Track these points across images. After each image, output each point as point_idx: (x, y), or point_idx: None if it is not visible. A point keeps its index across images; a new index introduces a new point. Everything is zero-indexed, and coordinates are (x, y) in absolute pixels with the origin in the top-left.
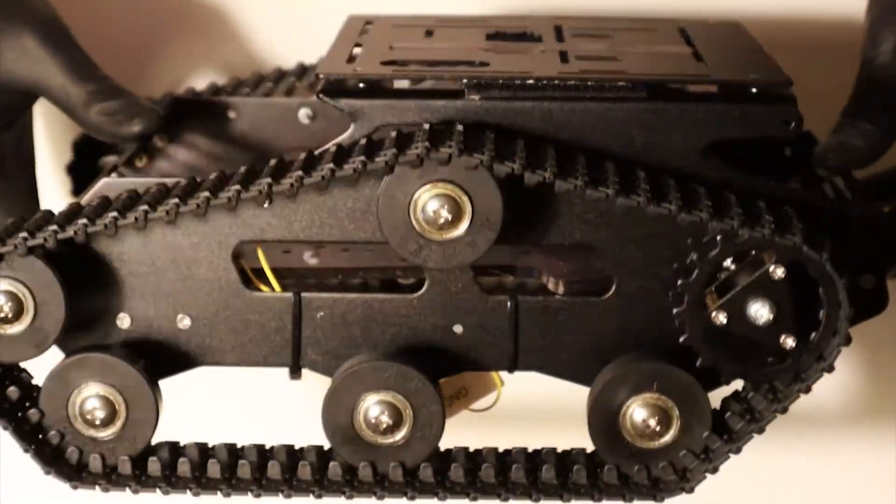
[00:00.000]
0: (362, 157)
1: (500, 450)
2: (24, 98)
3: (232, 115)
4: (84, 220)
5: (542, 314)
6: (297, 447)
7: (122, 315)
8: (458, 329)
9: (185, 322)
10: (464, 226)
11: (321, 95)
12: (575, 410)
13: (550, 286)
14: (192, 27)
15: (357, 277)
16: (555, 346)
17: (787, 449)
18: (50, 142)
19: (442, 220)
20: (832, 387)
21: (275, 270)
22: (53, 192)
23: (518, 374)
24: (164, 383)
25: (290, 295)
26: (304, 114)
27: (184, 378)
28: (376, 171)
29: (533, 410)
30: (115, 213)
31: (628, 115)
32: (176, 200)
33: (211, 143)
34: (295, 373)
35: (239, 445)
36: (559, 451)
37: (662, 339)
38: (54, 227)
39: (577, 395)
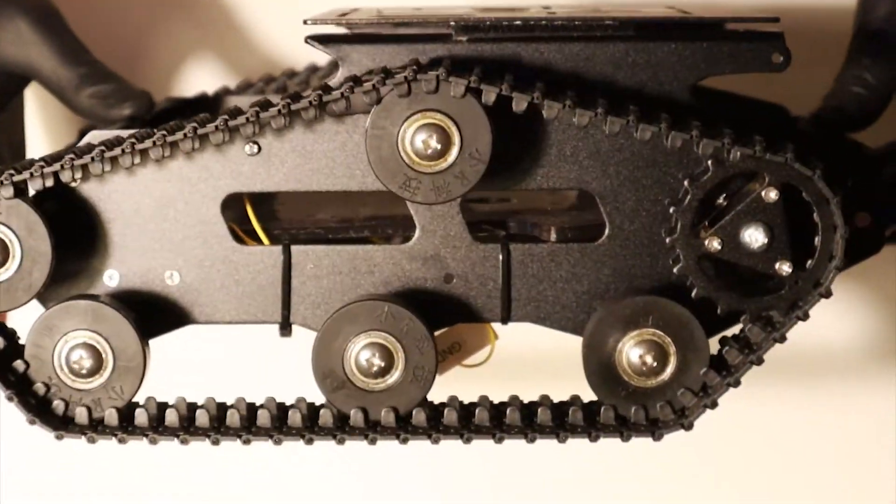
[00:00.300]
0: (350, 83)
1: (495, 402)
2: (16, 81)
3: None
4: (70, 155)
5: (534, 262)
6: (287, 403)
7: (109, 272)
8: (449, 278)
9: (173, 278)
10: (452, 156)
11: (309, 40)
12: (571, 365)
13: (543, 234)
14: (200, 26)
15: (347, 233)
16: (549, 295)
17: (789, 394)
18: (49, 129)
19: (430, 151)
20: (832, 331)
21: (263, 229)
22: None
23: (512, 328)
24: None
25: (279, 248)
26: None
27: (168, 337)
28: (363, 104)
29: (528, 365)
30: (102, 147)
31: (616, 54)
32: (164, 132)
33: None
34: (285, 329)
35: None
36: (555, 401)
37: (658, 283)
38: (41, 163)
39: (572, 349)
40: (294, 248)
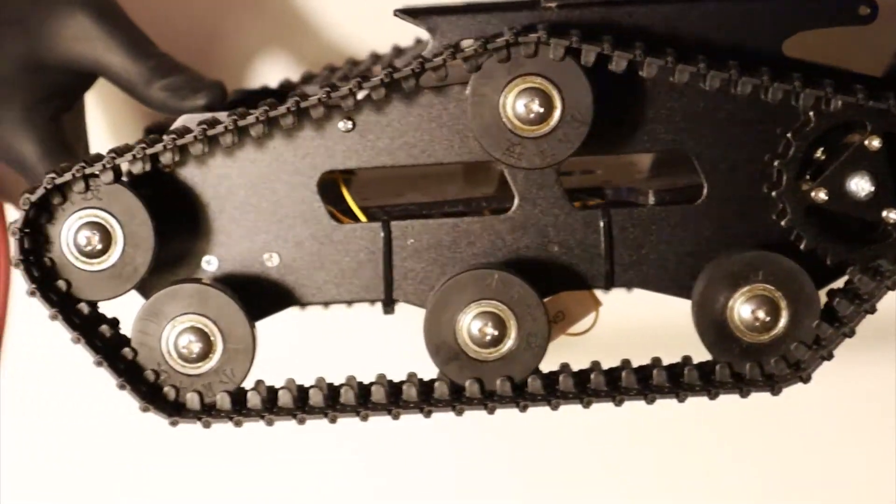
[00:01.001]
0: (451, 50)
1: (605, 368)
2: (84, 79)
3: None
4: (172, 135)
5: (634, 226)
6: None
7: (207, 257)
8: (551, 247)
9: (273, 260)
10: (554, 120)
11: (398, 13)
12: (675, 327)
13: (640, 199)
14: (263, 17)
15: (441, 209)
16: (651, 258)
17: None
18: (111, 129)
19: (533, 115)
20: None
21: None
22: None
23: (614, 295)
24: None
25: (378, 224)
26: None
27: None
28: (459, 75)
29: (633, 331)
30: (204, 126)
31: (707, 14)
32: (265, 107)
33: None
34: (388, 306)
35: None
36: (667, 364)
37: (759, 240)
38: (141, 145)
39: (676, 312)
40: (394, 224)
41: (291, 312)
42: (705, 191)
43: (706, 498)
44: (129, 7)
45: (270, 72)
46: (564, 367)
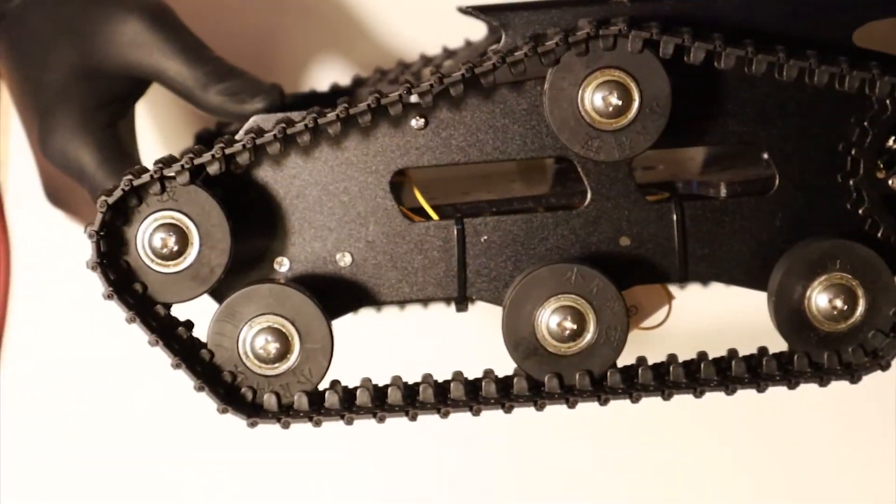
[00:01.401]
0: (532, 43)
1: (682, 360)
2: (138, 85)
3: None
4: (251, 135)
5: (707, 219)
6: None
7: (279, 259)
8: (624, 241)
9: (345, 259)
10: (633, 112)
11: (466, 9)
12: (747, 320)
13: (711, 192)
14: (312, 21)
15: (510, 208)
16: (725, 250)
17: None
18: (162, 136)
19: (611, 108)
20: None
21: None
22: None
23: (688, 290)
24: None
25: (451, 222)
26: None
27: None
28: (535, 69)
29: (706, 325)
30: (282, 124)
31: (776, 7)
32: (345, 105)
33: None
34: (462, 304)
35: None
36: (743, 355)
37: (833, 229)
38: (220, 145)
39: (747, 304)
40: (466, 221)
41: (367, 312)
42: (777, 182)
43: (708, 498)
44: (182, 11)
45: (319, 76)
46: (642, 361)
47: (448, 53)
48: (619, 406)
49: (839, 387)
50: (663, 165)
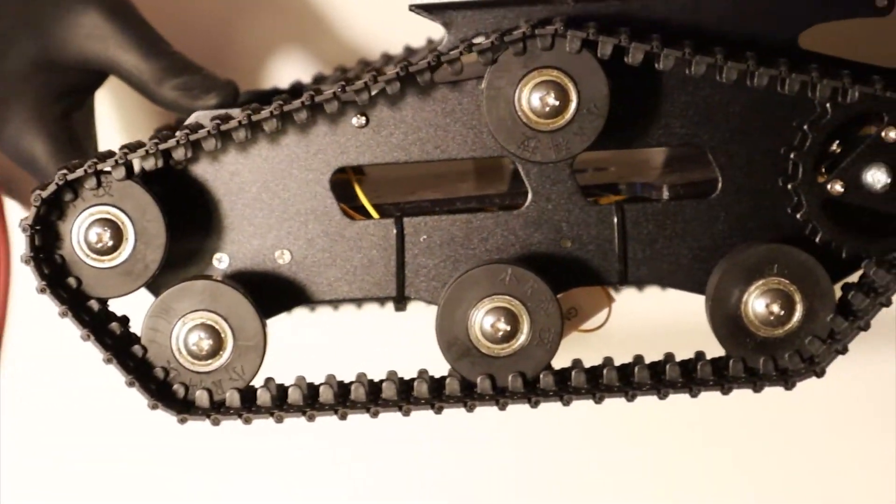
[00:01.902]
0: (467, 43)
1: (618, 364)
2: (95, 77)
3: None
4: (185, 131)
5: (648, 221)
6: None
7: (218, 255)
8: (565, 242)
9: (284, 257)
10: (570, 113)
11: (413, 8)
12: (687, 323)
13: (654, 194)
14: (275, 17)
15: (453, 207)
16: (665, 254)
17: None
18: (122, 130)
19: (548, 108)
20: None
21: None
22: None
23: (627, 291)
24: None
25: (390, 221)
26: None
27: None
28: (474, 69)
29: (645, 327)
30: (217, 121)
31: (721, 9)
32: (280, 102)
33: None
34: (400, 303)
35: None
36: (680, 359)
37: (774, 233)
38: (154, 140)
39: (688, 308)
40: (406, 220)
41: (302, 310)
42: (720, 185)
43: (706, 498)
44: (142, 5)
45: (282, 73)
46: (577, 363)
47: (410, 52)
48: (615, 404)
49: (839, 387)
50: (615, 167)
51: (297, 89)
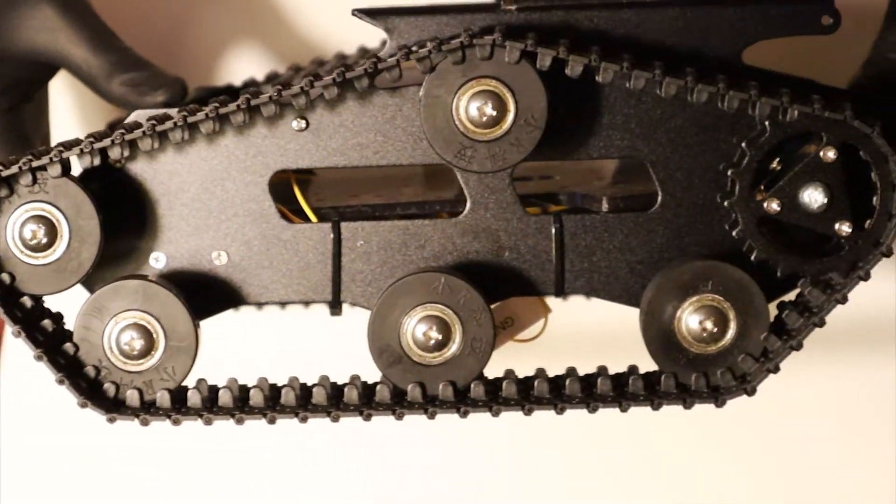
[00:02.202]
0: (405, 51)
1: (552, 375)
2: (45, 70)
3: None
4: (120, 130)
5: (587, 233)
6: (340, 382)
7: (155, 254)
8: (502, 252)
9: (221, 258)
10: (508, 123)
11: (356, 13)
12: (625, 336)
13: (594, 206)
14: (233, 14)
15: (393, 211)
16: (602, 266)
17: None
18: (77, 124)
19: (486, 118)
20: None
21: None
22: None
23: (563, 302)
24: None
25: (328, 225)
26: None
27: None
28: (414, 76)
29: (582, 339)
30: (153, 121)
31: (668, 20)
32: (216, 104)
33: None
34: (335, 307)
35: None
36: (612, 373)
37: (712, 250)
38: (90, 139)
39: (627, 319)
40: (343, 225)
41: (242, 312)
42: (659, 199)
43: (706, 498)
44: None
45: (238, 69)
46: (509, 374)
47: (364, 53)
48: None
49: (839, 388)
50: (560, 176)
51: (249, 87)
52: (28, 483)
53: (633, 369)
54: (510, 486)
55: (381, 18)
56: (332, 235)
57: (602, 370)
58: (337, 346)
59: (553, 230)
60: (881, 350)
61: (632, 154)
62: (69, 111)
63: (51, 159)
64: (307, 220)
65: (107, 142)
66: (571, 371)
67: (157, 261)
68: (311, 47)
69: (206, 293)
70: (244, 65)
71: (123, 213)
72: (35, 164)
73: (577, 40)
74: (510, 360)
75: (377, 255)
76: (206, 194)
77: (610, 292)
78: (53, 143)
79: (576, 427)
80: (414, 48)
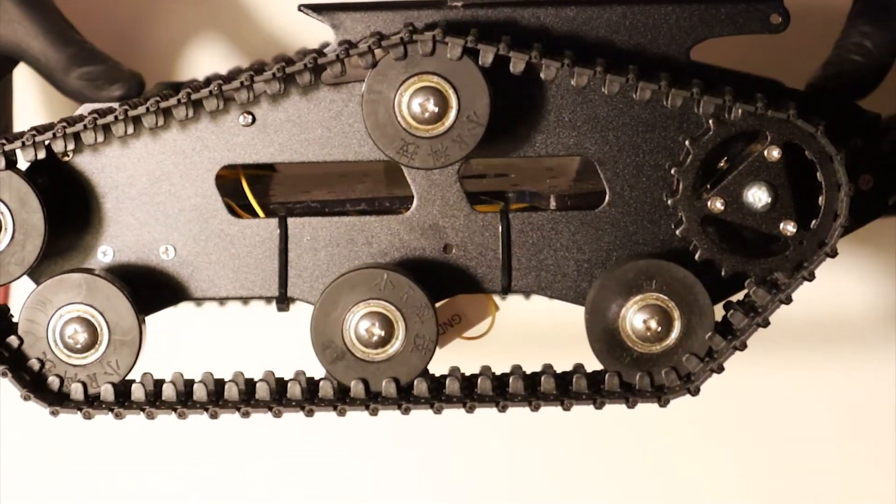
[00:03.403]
0: (346, 46)
1: (497, 373)
2: (2, 63)
3: None
4: (62, 123)
5: (534, 231)
6: (286, 377)
7: (103, 247)
8: (448, 249)
9: (168, 253)
10: (450, 120)
11: (302, 8)
12: (572, 336)
13: (542, 203)
14: (198, 9)
15: (343, 208)
16: (549, 264)
17: (788, 360)
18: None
19: (428, 114)
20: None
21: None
22: None
23: (512, 300)
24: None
25: (275, 220)
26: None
27: (165, 314)
28: (358, 72)
29: (529, 336)
30: (95, 115)
31: (614, 17)
32: (157, 98)
33: None
34: (282, 303)
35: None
36: (558, 371)
37: (660, 249)
38: (32, 132)
39: (572, 320)
40: (290, 221)
41: (186, 306)
42: (607, 197)
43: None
44: None
45: (205, 65)
46: (453, 371)
47: (325, 47)
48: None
49: (838, 390)
50: (514, 174)
51: (210, 81)
52: (28, 483)
53: (577, 367)
54: (504, 485)
55: (326, 14)
56: (279, 231)
57: (547, 368)
58: (283, 341)
59: (500, 227)
60: (881, 350)
61: (579, 152)
62: (35, 105)
63: None
64: (256, 215)
65: (48, 134)
66: (516, 369)
67: (105, 254)
68: (278, 43)
69: (153, 287)
70: (209, 60)
71: (71, 207)
72: None
73: (522, 37)
74: (457, 357)
75: (324, 251)
76: (152, 189)
77: (556, 290)
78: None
79: (575, 427)
80: (355, 43)
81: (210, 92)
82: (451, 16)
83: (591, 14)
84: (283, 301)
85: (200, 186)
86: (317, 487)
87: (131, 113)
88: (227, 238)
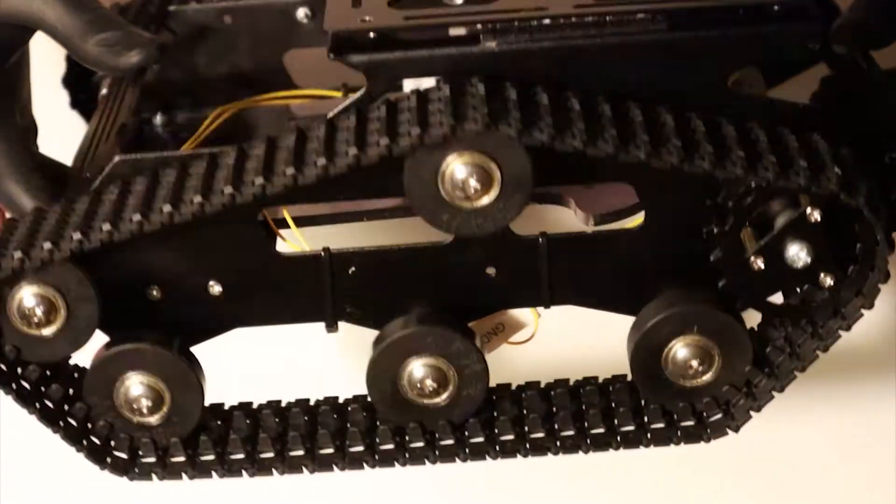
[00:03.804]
0: (386, 141)
1: (543, 384)
2: (20, 33)
3: (227, 19)
4: (108, 228)
5: (574, 250)
6: (342, 400)
7: (151, 286)
8: (490, 271)
9: (215, 289)
10: (494, 193)
11: (332, 55)
12: (611, 332)
13: (580, 220)
14: None
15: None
16: (589, 279)
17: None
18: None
19: (472, 191)
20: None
21: (296, 219)
22: (52, 108)
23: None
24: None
25: (319, 252)
26: (302, 13)
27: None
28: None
29: (572, 339)
30: (138, 217)
31: (649, 49)
32: (199, 201)
33: (207, 55)
34: (331, 327)
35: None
36: (601, 380)
37: (696, 267)
38: (78, 235)
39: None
40: (334, 251)
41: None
42: (644, 220)
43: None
44: None
45: None
46: (502, 395)
47: None
48: None
49: (839, 391)
50: None
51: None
52: (28, 483)
53: (620, 393)
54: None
55: (358, 59)
56: (324, 263)
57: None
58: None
59: (540, 248)
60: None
61: (625, 180)
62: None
63: (42, 261)
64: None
65: (95, 243)
66: (562, 397)
67: (154, 293)
68: None
69: (203, 321)
70: None
71: (117, 254)
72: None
73: (559, 77)
74: (503, 364)
75: (369, 278)
76: (196, 231)
77: (596, 302)
78: (35, 111)
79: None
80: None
81: (254, 196)
82: (486, 54)
83: (629, 46)
84: (332, 325)
85: (243, 225)
86: (317, 487)
87: (177, 220)
88: (272, 271)
